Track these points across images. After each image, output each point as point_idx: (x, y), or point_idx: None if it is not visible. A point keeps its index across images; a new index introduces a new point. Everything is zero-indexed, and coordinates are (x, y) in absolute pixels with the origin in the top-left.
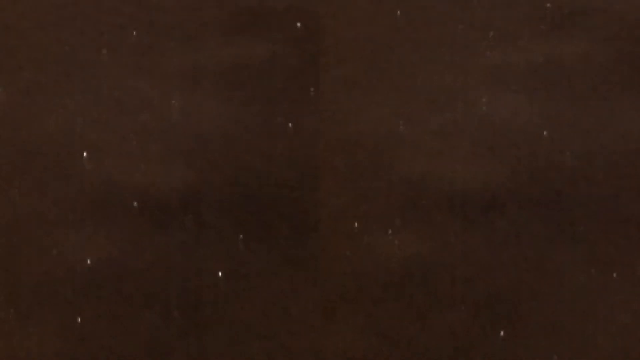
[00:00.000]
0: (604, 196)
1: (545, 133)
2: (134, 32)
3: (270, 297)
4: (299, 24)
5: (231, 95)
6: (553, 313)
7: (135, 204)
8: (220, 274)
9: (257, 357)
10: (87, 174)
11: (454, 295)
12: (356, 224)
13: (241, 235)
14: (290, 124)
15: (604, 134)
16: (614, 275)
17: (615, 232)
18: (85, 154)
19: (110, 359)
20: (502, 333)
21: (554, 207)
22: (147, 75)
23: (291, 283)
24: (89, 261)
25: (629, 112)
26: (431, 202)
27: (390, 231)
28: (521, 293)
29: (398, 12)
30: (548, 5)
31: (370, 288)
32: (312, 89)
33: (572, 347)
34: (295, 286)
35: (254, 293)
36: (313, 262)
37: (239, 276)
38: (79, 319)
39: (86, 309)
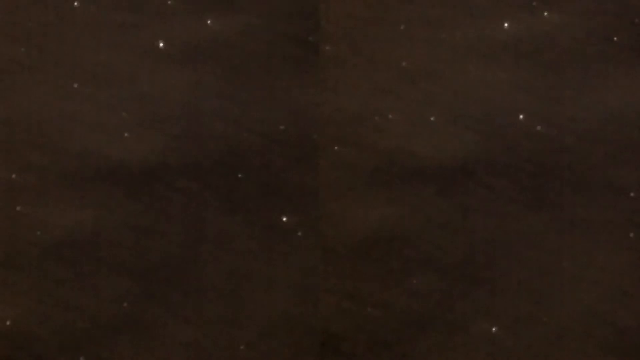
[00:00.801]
0: (576, 163)
1: (519, 104)
2: (107, 8)
3: (236, 261)
4: None
5: (202, 68)
6: (526, 275)
7: (107, 172)
8: (188, 238)
9: (223, 319)
10: (61, 144)
11: (426, 259)
12: (328, 193)
13: (210, 201)
14: (259, 94)
15: (579, 103)
16: (585, 238)
17: (588, 198)
18: (59, 124)
19: (81, 321)
20: (474, 295)
21: (527, 174)
22: (120, 50)
23: (260, 247)
24: (62, 226)
25: (603, 83)
26: (405, 171)
27: (362, 200)
28: (496, 256)
29: None
30: None
31: (343, 253)
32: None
33: (542, 307)
34: (264, 251)
35: (221, 256)
36: (281, 227)
37: (207, 240)
38: (51, 282)
39: (58, 273)
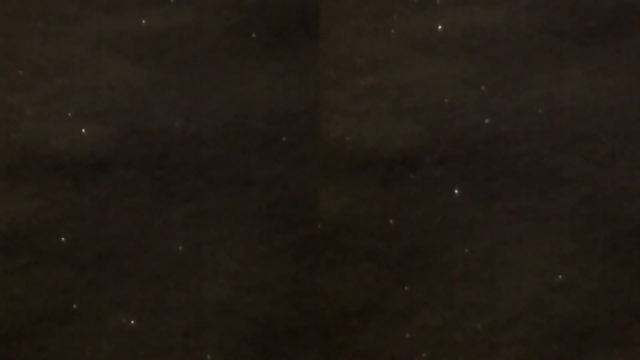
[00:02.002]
0: (518, 153)
1: (462, 95)
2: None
3: (182, 250)
4: None
5: (150, 61)
6: (466, 265)
7: (53, 163)
8: (134, 229)
9: (170, 309)
10: (5, 135)
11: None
12: None
13: (155, 193)
14: (209, 86)
15: (520, 96)
16: (531, 228)
17: (533, 188)
18: (3, 115)
19: (25, 313)
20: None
21: (471, 165)
22: (68, 40)
23: (204, 235)
24: (5, 218)
25: (549, 76)
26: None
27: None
28: (436, 246)
29: None
30: None
31: None
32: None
33: (491, 295)
34: (207, 238)
35: (167, 246)
36: (215, 216)
37: (153, 230)
38: None
39: (1, 265)
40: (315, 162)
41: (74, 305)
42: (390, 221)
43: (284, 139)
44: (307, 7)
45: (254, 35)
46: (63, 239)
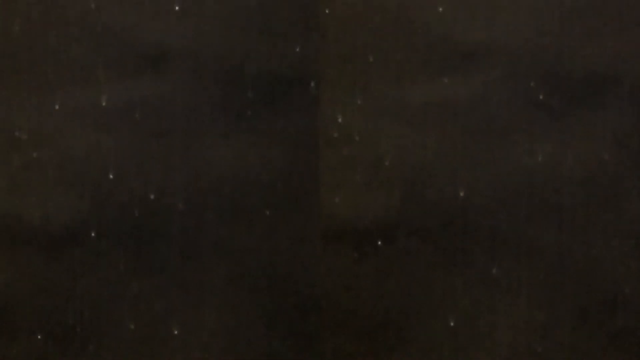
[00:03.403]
0: (492, 224)
1: (436, 167)
2: (30, 69)
3: (155, 320)
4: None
5: (125, 132)
6: (439, 336)
7: (25, 235)
8: (106, 299)
9: None
10: None
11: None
12: None
13: (130, 265)
14: (182, 156)
15: (494, 167)
16: (502, 296)
17: (501, 256)
18: None
19: None
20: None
21: (444, 235)
22: (41, 113)
23: (179, 306)
24: None
25: (520, 148)
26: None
27: None
28: (409, 317)
29: None
30: (444, 46)
31: None
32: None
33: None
34: (179, 307)
35: (140, 316)
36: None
37: (125, 301)
38: None
39: None
40: (291, 232)
41: None
42: (364, 293)
43: (258, 208)
44: (282, 78)
45: (227, 106)
46: (35, 310)
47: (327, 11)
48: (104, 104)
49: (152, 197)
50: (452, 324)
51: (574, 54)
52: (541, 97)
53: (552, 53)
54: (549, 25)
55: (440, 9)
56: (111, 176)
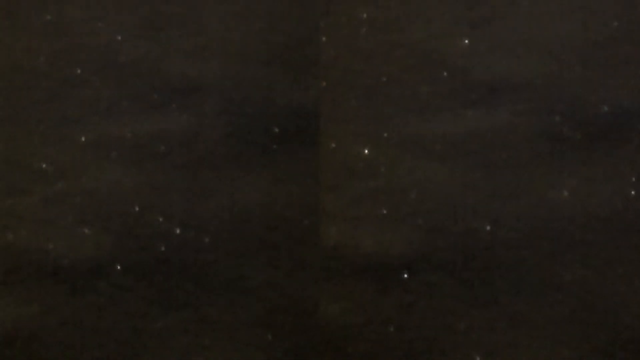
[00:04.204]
0: (517, 260)
1: (462, 200)
2: (53, 103)
3: (179, 355)
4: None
5: (149, 165)
6: None
7: (51, 269)
8: (132, 335)
9: None
10: (3, 240)
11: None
12: None
13: (155, 299)
14: (208, 190)
15: (520, 201)
16: (525, 334)
17: (526, 292)
18: (3, 220)
19: None
20: None
21: (469, 270)
22: (66, 145)
23: (200, 341)
24: (2, 324)
25: (544, 182)
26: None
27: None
28: (432, 352)
29: None
30: (468, 79)
31: None
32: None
33: None
34: (204, 344)
35: (163, 352)
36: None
37: (149, 336)
38: None
39: None
40: (315, 268)
41: None
42: (387, 326)
43: (281, 243)
44: (307, 112)
45: (253, 140)
46: (59, 344)
47: (352, 46)
48: (129, 136)
49: (177, 231)
50: (477, 359)
51: (598, 87)
52: (565, 131)
53: (576, 87)
54: (573, 59)
55: (466, 42)
56: (136, 209)
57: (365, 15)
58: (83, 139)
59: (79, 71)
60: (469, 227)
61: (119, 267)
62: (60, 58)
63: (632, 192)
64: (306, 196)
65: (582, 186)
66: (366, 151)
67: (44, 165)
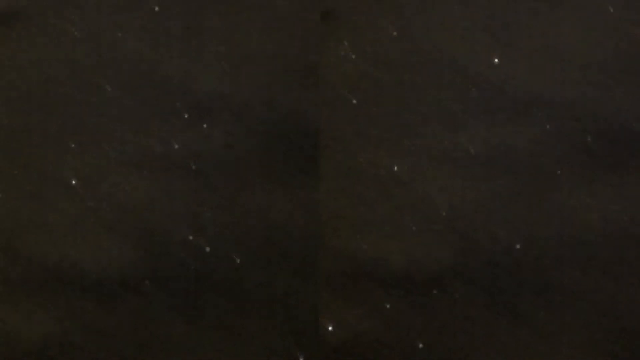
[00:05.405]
0: (547, 275)
1: (491, 215)
2: (75, 117)
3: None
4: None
5: (180, 182)
6: None
7: (80, 282)
8: (161, 349)
9: None
10: (32, 254)
11: None
12: None
13: (184, 314)
14: (234, 209)
15: (550, 219)
16: (555, 348)
17: (553, 307)
18: (30, 234)
19: None
20: None
21: (497, 285)
22: (98, 161)
23: (231, 355)
24: (33, 337)
25: (575, 200)
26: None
27: None
28: None
29: None
30: (499, 97)
31: None
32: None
33: None
34: (222, 349)
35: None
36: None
37: (178, 350)
38: None
39: None
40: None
41: None
42: (418, 339)
43: (305, 255)
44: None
45: (275, 155)
46: (89, 357)
47: (383, 62)
48: (159, 151)
49: (207, 249)
50: None
51: (630, 106)
52: (597, 149)
53: (608, 105)
54: (604, 77)
55: (496, 61)
56: (166, 225)
57: (395, 33)
58: (114, 155)
59: (108, 87)
60: (499, 244)
61: (148, 282)
62: (88, 75)
63: None
64: (332, 211)
65: (614, 205)
66: (396, 167)
67: (74, 182)
